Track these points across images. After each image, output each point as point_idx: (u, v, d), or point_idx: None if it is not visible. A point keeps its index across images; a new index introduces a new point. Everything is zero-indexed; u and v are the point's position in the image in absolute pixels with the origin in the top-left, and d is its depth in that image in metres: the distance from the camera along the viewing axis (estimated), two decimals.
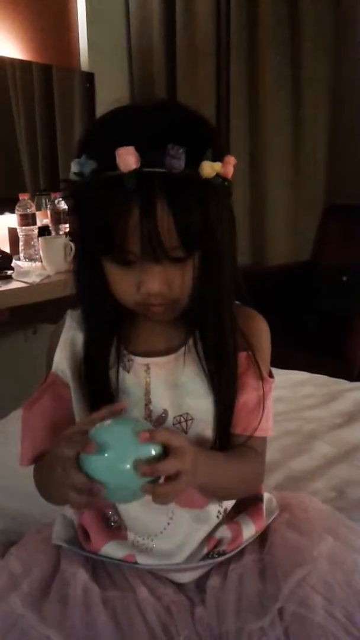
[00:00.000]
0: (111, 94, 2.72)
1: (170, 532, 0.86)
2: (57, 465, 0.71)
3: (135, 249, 0.72)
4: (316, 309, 2.68)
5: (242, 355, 0.86)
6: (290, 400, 1.50)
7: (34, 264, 2.36)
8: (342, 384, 1.70)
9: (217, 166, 0.72)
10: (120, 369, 0.85)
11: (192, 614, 0.83)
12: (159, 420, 0.84)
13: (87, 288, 0.81)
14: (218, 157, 0.73)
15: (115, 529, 0.88)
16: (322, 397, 1.60)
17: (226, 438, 0.86)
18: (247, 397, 0.86)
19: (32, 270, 2.25)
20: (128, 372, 0.85)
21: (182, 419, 0.84)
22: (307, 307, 2.70)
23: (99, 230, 0.73)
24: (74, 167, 0.73)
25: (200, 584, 0.88)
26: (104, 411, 0.73)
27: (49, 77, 2.67)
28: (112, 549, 0.88)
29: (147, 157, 0.68)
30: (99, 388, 0.84)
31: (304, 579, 0.80)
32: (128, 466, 0.67)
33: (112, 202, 0.70)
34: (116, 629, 0.78)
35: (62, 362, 0.87)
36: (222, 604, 0.83)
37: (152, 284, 0.75)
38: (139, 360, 0.85)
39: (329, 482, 1.18)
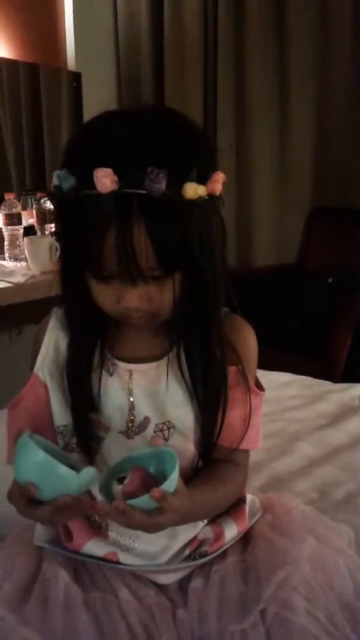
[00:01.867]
0: (98, 93, 2.71)
1: (152, 534, 0.86)
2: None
3: (112, 268, 0.71)
4: (301, 310, 2.69)
5: (232, 370, 0.85)
6: (274, 402, 1.50)
7: (19, 264, 2.34)
8: (326, 385, 1.71)
9: (200, 190, 0.69)
10: (104, 373, 0.84)
11: (173, 616, 0.83)
12: (141, 427, 0.84)
13: (71, 292, 0.80)
14: (205, 175, 0.71)
15: (96, 527, 0.88)
16: (306, 398, 1.60)
17: (208, 450, 0.86)
18: (236, 412, 0.86)
19: (17, 270, 2.23)
20: (111, 375, 0.84)
21: (165, 427, 0.84)
22: (292, 308, 2.71)
23: (77, 246, 0.72)
24: (55, 180, 0.72)
25: (183, 585, 0.88)
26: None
27: (36, 76, 2.65)
28: (94, 547, 0.88)
29: (126, 178, 0.66)
30: (81, 391, 0.83)
31: (285, 580, 0.80)
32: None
33: (90, 222, 0.68)
34: (97, 631, 0.77)
35: (43, 363, 0.87)
36: (204, 606, 0.82)
37: (131, 301, 0.74)
38: (123, 366, 0.84)
39: (312, 483, 1.19)
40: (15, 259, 2.37)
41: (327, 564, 0.83)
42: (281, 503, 0.98)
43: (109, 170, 0.66)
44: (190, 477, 0.86)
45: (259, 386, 0.90)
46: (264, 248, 3.02)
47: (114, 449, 0.84)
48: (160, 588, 0.88)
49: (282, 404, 1.53)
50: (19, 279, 2.14)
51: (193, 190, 0.69)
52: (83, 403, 0.82)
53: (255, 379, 0.90)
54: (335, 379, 1.86)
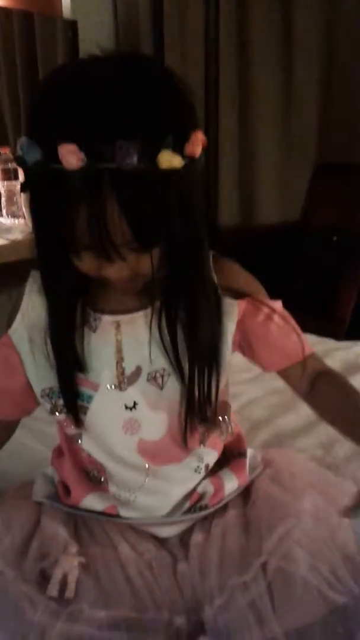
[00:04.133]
0: (95, 42, 2.61)
1: (150, 487, 0.85)
2: None
3: (86, 245, 0.66)
4: (306, 269, 2.65)
5: (242, 304, 0.81)
6: None
7: (17, 221, 2.29)
8: (330, 343, 1.69)
9: (176, 160, 0.63)
10: (86, 330, 0.80)
11: (174, 570, 0.82)
12: (132, 378, 0.81)
13: (47, 254, 0.73)
14: (183, 137, 0.64)
15: (95, 482, 0.86)
16: None
17: (205, 397, 0.81)
18: (271, 329, 0.83)
19: (14, 227, 2.19)
20: (94, 332, 0.80)
21: (158, 374, 0.80)
22: (297, 267, 2.67)
23: (47, 222, 0.67)
24: (18, 149, 0.64)
25: (184, 539, 0.87)
26: None
27: (31, 25, 2.55)
28: (93, 501, 0.86)
29: (94, 153, 0.60)
30: (64, 353, 0.79)
31: (287, 533, 0.78)
32: None
33: (59, 199, 0.63)
34: (97, 586, 0.77)
35: (21, 326, 0.82)
36: (204, 560, 0.81)
37: (111, 272, 0.70)
38: (108, 319, 0.80)
39: (316, 439, 1.17)
40: (13, 216, 2.32)
41: (329, 519, 0.82)
42: (283, 457, 0.96)
43: (73, 147, 0.60)
44: (194, 434, 0.84)
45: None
46: (268, 206, 2.93)
47: (106, 404, 0.81)
48: (161, 542, 0.87)
49: None
50: (16, 235, 2.10)
51: (168, 160, 0.63)
52: (68, 364, 0.79)
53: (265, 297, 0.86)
54: (339, 338, 1.83)
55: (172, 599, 0.78)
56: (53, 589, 0.73)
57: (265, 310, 0.83)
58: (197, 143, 0.66)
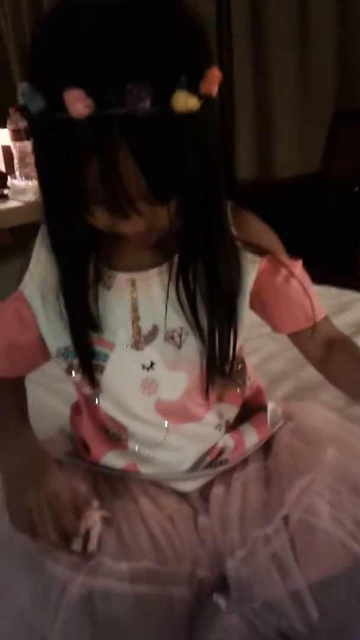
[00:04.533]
0: None
1: (170, 444, 0.84)
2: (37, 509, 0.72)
3: (99, 200, 0.62)
4: (326, 222, 2.59)
5: (263, 262, 0.78)
6: None
7: (30, 183, 2.26)
8: (352, 295, 1.65)
9: (192, 101, 0.58)
10: (100, 288, 0.77)
11: (195, 523, 0.82)
12: (150, 337, 0.79)
13: (56, 210, 0.68)
14: (197, 75, 0.59)
15: (115, 440, 0.86)
16: (331, 308, 1.52)
17: (224, 354, 0.79)
18: (290, 291, 0.81)
19: (28, 189, 2.16)
20: (109, 289, 0.78)
21: (175, 334, 0.78)
22: (317, 221, 2.60)
23: (55, 177, 0.63)
24: (19, 97, 0.59)
25: (204, 493, 0.86)
26: None
27: None
28: (113, 459, 0.86)
29: (102, 98, 0.55)
30: (77, 311, 0.76)
31: (309, 485, 0.77)
32: None
33: (65, 151, 0.59)
34: (118, 539, 0.76)
35: (32, 281, 0.79)
36: (225, 513, 0.81)
37: (126, 228, 0.67)
38: (123, 276, 0.77)
39: (338, 391, 1.14)
40: (27, 178, 2.29)
41: (353, 470, 0.80)
42: (304, 410, 0.95)
43: (80, 93, 0.55)
44: (214, 392, 0.82)
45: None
46: (285, 158, 2.84)
47: (123, 364, 0.79)
48: (182, 496, 0.86)
49: None
50: (30, 197, 2.07)
51: (184, 101, 0.57)
52: (81, 323, 0.77)
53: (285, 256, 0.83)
54: None
55: (194, 552, 0.78)
56: (77, 543, 0.73)
57: (284, 271, 0.80)
58: (213, 81, 0.60)
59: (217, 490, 0.85)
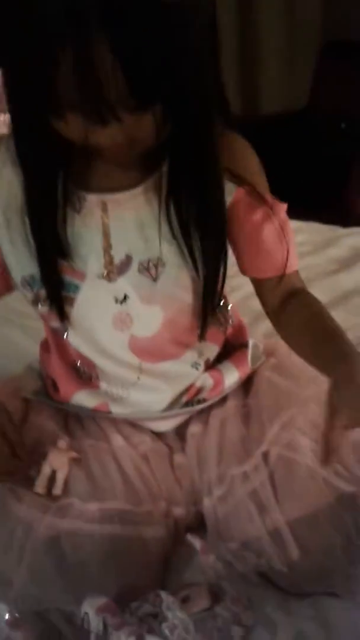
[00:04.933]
0: None
1: (144, 384, 0.79)
2: None
3: (73, 103, 0.55)
4: (313, 159, 2.51)
5: (239, 193, 0.71)
6: None
7: (2, 117, 2.14)
8: (337, 230, 1.60)
9: None
10: (69, 211, 0.70)
11: (171, 462, 0.78)
12: (123, 267, 0.72)
13: (22, 115, 0.62)
14: None
15: (85, 378, 0.81)
16: (316, 244, 1.50)
17: (212, 290, 0.74)
18: (266, 234, 0.73)
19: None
20: (79, 212, 0.71)
21: (151, 265, 0.71)
22: (304, 158, 2.52)
23: (23, 75, 0.56)
24: None
25: (180, 432, 0.83)
26: None
27: None
28: (83, 398, 0.81)
29: None
30: (44, 236, 0.69)
31: (290, 421, 0.73)
32: None
33: (35, 44, 0.52)
34: (88, 480, 0.73)
35: None
36: (202, 451, 0.77)
37: (102, 138, 0.59)
38: (93, 198, 0.70)
39: None
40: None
41: None
42: (286, 346, 0.89)
43: None
44: (194, 329, 0.77)
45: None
46: (271, 93, 2.75)
47: (94, 296, 0.73)
48: (157, 435, 0.82)
49: None
50: (3, 131, 1.96)
51: None
52: (49, 248, 0.70)
53: (269, 195, 0.76)
54: (347, 225, 1.73)
55: (170, 491, 0.74)
56: (40, 486, 0.69)
57: (263, 210, 0.72)
58: None
59: (194, 429, 0.81)
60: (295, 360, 0.80)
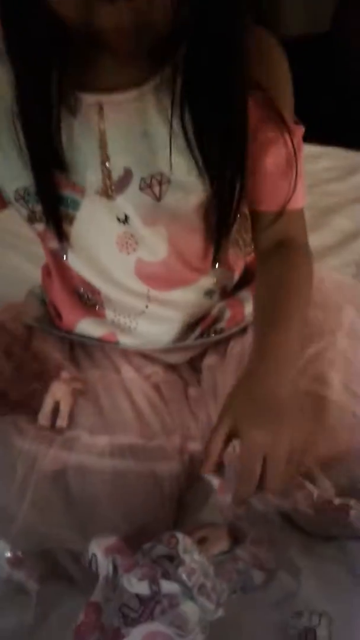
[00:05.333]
0: None
1: (153, 313, 0.72)
2: None
3: None
4: (336, 85, 2.39)
5: (257, 98, 0.61)
6: (305, 174, 1.31)
7: None
8: None
9: None
10: (65, 114, 0.61)
11: (185, 394, 0.73)
12: (121, 184, 0.63)
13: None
14: None
15: (90, 306, 0.74)
16: (341, 170, 1.45)
17: (226, 212, 0.65)
18: (270, 159, 0.64)
19: None
20: (75, 117, 0.62)
21: (155, 182, 0.62)
22: (326, 85, 2.39)
23: None
24: None
25: (196, 364, 0.77)
26: None
27: None
28: (88, 327, 0.75)
29: None
30: (38, 140, 0.61)
31: (320, 353, 0.68)
32: None
33: None
34: (97, 412, 0.67)
35: None
36: (220, 383, 0.71)
37: (106, 17, 0.50)
38: (89, 99, 0.61)
39: (348, 257, 1.09)
40: None
41: None
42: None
43: None
44: (207, 253, 0.69)
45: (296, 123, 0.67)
46: (292, 15, 2.62)
47: (95, 213, 0.65)
48: (170, 366, 0.77)
49: (314, 177, 1.37)
50: None
51: None
52: (43, 157, 0.62)
53: (292, 114, 0.66)
54: None
55: (184, 424, 0.69)
56: (43, 418, 0.64)
57: (277, 127, 0.62)
58: None
59: (210, 360, 0.75)
60: (323, 288, 0.73)
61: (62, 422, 0.65)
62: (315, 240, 1.12)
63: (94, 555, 0.52)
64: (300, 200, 0.68)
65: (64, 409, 0.65)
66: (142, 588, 0.49)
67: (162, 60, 0.59)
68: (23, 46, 0.57)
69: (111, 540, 0.53)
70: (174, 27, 0.53)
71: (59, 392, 0.66)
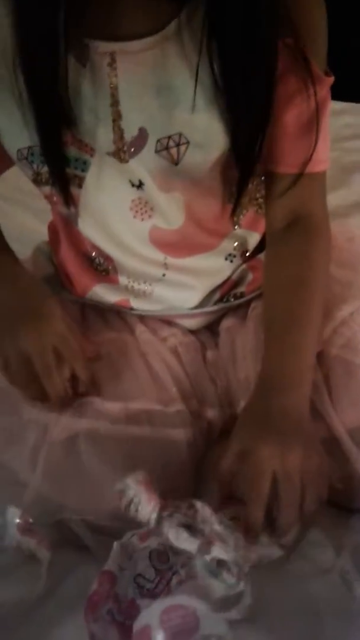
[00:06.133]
0: None
1: (170, 280, 0.68)
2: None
3: None
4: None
5: (284, 43, 0.55)
6: None
7: None
8: None
9: None
10: (72, 63, 0.55)
11: (203, 357, 0.69)
12: (136, 144, 0.57)
13: None
14: None
15: (102, 271, 0.70)
16: None
17: (246, 166, 0.60)
18: (291, 112, 0.58)
19: None
20: (84, 65, 0.56)
21: (172, 143, 0.57)
22: (352, 35, 2.26)
23: None
24: None
25: (214, 329, 0.73)
26: None
27: None
28: (102, 292, 0.71)
29: None
30: (44, 92, 0.55)
31: (350, 317, 0.64)
32: None
33: None
34: (110, 376, 0.63)
35: None
36: (239, 346, 0.67)
37: None
38: (100, 47, 0.55)
39: None
40: None
41: None
42: (343, 230, 0.77)
43: None
44: (225, 215, 0.64)
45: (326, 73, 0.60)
46: None
47: (106, 176, 0.60)
48: (187, 330, 0.72)
49: (336, 133, 1.31)
50: None
51: None
52: (48, 110, 0.56)
53: (324, 63, 0.60)
54: None
55: (202, 389, 0.66)
56: (60, 390, 0.59)
57: (303, 78, 0.56)
58: None
59: (228, 322, 0.71)
60: (356, 247, 0.69)
61: (83, 387, 0.60)
62: (337, 198, 1.11)
63: (138, 497, 0.49)
64: (322, 162, 0.62)
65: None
66: (188, 544, 0.47)
67: (178, 7, 0.54)
68: None
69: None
70: None
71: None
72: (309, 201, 0.64)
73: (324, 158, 0.62)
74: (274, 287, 0.63)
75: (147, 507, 0.49)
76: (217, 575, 0.47)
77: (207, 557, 0.47)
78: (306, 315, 0.59)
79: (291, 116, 0.58)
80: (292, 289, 0.61)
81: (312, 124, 0.58)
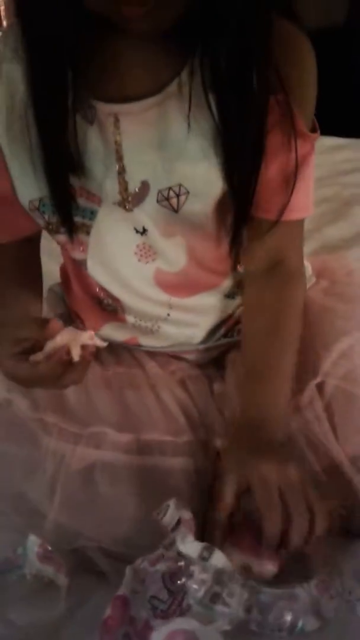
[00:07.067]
0: None
1: (175, 319, 0.71)
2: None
3: None
4: (352, 80, 2.35)
5: (275, 99, 0.58)
6: (324, 166, 1.31)
7: None
8: None
9: None
10: (80, 121, 0.59)
11: (210, 389, 0.72)
12: (139, 196, 0.61)
13: None
14: None
15: (110, 311, 0.73)
16: (356, 162, 1.42)
17: (243, 208, 0.62)
18: (275, 164, 0.61)
19: None
20: (91, 123, 0.60)
21: (173, 193, 0.61)
22: (341, 80, 2.35)
23: None
24: None
25: (219, 362, 0.76)
26: None
27: None
28: (111, 332, 0.74)
29: None
30: (54, 145, 0.59)
31: (349, 349, 0.66)
32: None
33: None
34: (120, 405, 0.67)
35: None
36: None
37: (126, 8, 0.48)
38: (104, 108, 0.59)
39: None
40: None
41: None
42: (341, 265, 0.81)
43: None
44: (225, 256, 0.67)
45: (313, 129, 0.63)
46: (305, 7, 2.54)
47: (112, 223, 0.64)
48: (194, 364, 0.76)
49: (334, 168, 1.35)
50: None
51: None
52: (58, 161, 0.59)
53: (311, 118, 0.63)
54: None
55: (210, 420, 0.68)
56: (38, 356, 0.54)
57: (287, 132, 0.59)
58: None
59: (234, 355, 0.74)
60: (353, 280, 0.72)
61: (76, 357, 0.54)
62: (336, 232, 1.14)
63: (168, 505, 0.53)
64: (300, 210, 0.65)
65: (76, 351, 0.54)
66: (193, 549, 0.49)
67: (179, 66, 0.57)
68: (42, 40, 0.55)
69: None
70: (190, 9, 0.50)
71: (69, 336, 0.54)
72: (285, 247, 0.67)
73: (303, 207, 0.65)
74: (251, 333, 0.68)
75: (173, 512, 0.52)
76: (211, 609, 0.48)
77: (199, 595, 0.48)
78: (281, 365, 0.64)
79: (275, 168, 0.61)
80: (268, 340, 0.65)
81: (290, 178, 0.61)
